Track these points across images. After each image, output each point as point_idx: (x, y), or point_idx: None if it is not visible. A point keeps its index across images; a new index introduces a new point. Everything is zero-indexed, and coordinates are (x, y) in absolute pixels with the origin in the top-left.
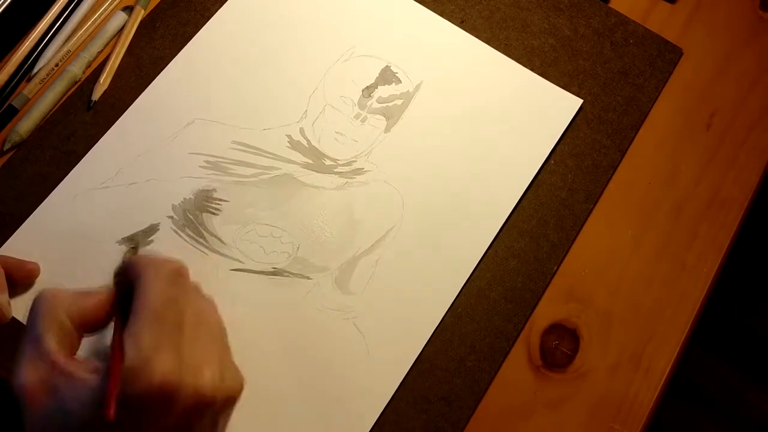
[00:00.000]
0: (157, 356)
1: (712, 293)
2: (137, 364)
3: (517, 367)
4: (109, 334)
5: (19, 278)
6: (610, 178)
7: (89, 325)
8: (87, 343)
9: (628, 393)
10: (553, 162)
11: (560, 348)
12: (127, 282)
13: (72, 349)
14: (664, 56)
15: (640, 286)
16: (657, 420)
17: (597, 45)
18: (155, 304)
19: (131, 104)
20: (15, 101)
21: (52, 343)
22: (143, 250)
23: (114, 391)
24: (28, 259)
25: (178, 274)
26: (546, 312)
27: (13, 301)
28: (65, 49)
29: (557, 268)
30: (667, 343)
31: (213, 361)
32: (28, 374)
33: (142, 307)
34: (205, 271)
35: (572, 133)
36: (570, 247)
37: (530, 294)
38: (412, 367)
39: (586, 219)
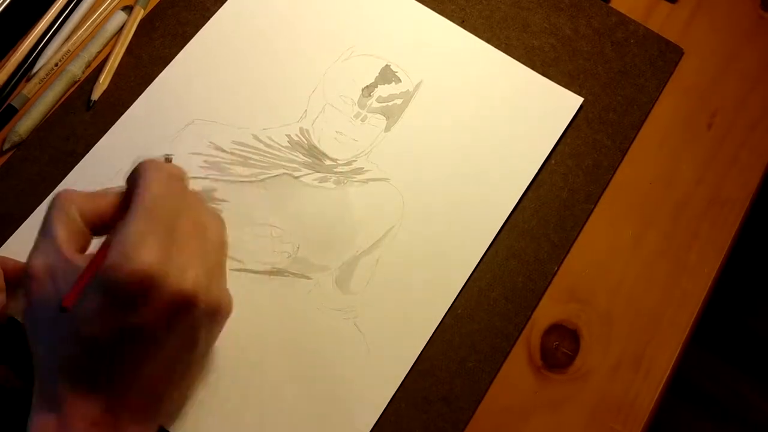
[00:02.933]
0: (141, 248)
1: (713, 293)
2: (121, 254)
3: (517, 368)
4: None
5: (18, 279)
6: (611, 178)
7: (99, 224)
8: None
9: (629, 393)
10: (553, 162)
11: (561, 348)
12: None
13: (81, 246)
14: (665, 56)
15: (640, 286)
16: (657, 421)
17: (597, 45)
18: (147, 200)
19: (131, 104)
20: (14, 101)
21: (61, 233)
22: None
23: (81, 282)
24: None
25: (176, 178)
26: (546, 312)
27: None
28: (65, 48)
29: (558, 269)
30: (667, 344)
31: (200, 267)
32: (37, 259)
33: (135, 203)
34: None
35: (573, 133)
36: (570, 247)
37: (531, 294)
38: (412, 367)
39: (586, 219)
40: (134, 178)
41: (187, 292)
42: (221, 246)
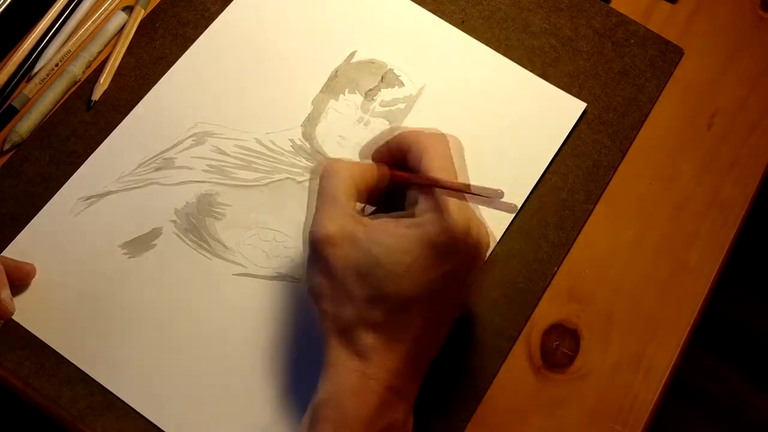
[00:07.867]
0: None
1: (713, 293)
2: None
3: (517, 368)
4: None
5: (16, 279)
6: (611, 178)
7: (371, 196)
8: None
9: (629, 393)
10: (553, 162)
11: (561, 348)
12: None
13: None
14: (665, 56)
15: (640, 286)
16: (658, 420)
17: (598, 45)
18: (447, 166)
19: (132, 105)
20: (15, 101)
21: (350, 201)
22: (147, 253)
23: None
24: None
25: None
26: (546, 312)
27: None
28: (65, 49)
29: (558, 269)
30: (667, 344)
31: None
32: (329, 225)
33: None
34: (208, 276)
35: (573, 133)
36: (570, 247)
37: (531, 294)
38: None
39: (586, 219)
40: (404, 152)
41: (483, 245)
42: None
